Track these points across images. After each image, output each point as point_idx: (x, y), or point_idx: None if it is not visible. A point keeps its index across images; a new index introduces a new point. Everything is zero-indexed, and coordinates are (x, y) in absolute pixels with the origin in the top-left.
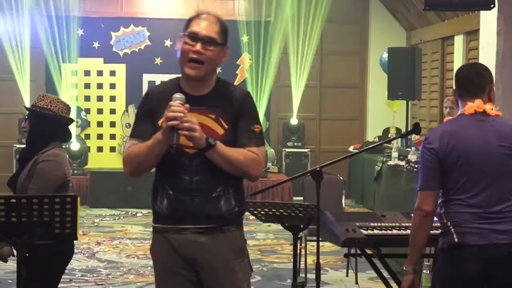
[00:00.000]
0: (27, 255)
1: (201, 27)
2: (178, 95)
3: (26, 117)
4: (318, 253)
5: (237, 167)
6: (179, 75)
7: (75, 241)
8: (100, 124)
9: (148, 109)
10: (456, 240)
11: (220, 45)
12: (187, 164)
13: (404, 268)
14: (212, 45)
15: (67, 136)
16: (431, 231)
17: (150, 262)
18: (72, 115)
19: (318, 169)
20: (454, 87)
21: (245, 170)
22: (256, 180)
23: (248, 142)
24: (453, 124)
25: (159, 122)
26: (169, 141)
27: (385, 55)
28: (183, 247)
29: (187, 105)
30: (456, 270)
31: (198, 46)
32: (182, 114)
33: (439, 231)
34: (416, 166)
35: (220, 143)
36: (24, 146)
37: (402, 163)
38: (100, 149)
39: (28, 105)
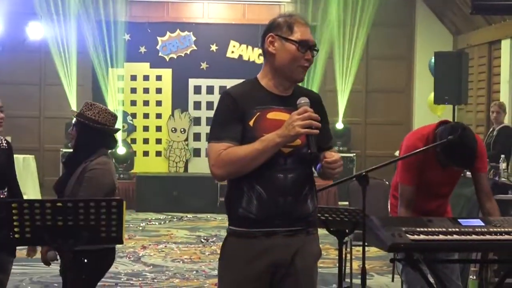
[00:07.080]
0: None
1: (309, 35)
2: (303, 100)
3: (73, 124)
4: (363, 258)
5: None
6: (247, 78)
7: (121, 245)
8: (146, 128)
9: (235, 110)
10: None
11: None
12: (282, 163)
13: None
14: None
15: (112, 144)
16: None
17: (195, 266)
18: (119, 119)
19: (364, 173)
20: None
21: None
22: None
23: (332, 143)
24: None
25: (251, 123)
26: (310, 147)
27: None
28: (270, 252)
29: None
30: None
31: (310, 55)
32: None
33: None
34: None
35: None
36: (70, 150)
37: None
38: (146, 153)
39: (75, 109)
